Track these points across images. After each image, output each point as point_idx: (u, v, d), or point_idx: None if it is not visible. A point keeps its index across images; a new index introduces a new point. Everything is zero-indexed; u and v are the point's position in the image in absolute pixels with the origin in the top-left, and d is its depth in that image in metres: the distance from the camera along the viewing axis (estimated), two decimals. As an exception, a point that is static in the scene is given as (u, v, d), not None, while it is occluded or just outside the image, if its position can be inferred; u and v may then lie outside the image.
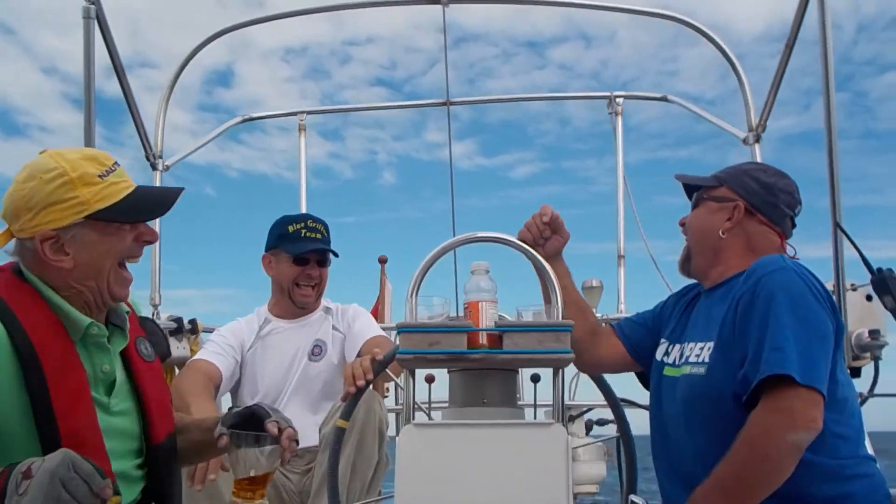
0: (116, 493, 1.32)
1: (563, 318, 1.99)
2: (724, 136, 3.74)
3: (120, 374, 1.59)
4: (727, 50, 3.67)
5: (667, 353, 1.92)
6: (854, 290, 2.94)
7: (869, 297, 2.83)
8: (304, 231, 2.86)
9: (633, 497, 1.74)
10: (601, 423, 4.05)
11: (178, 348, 3.64)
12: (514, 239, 2.18)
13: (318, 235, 2.88)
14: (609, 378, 2.13)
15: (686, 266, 1.94)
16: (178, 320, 3.68)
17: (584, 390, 3.88)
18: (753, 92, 3.62)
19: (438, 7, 3.74)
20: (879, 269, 1.81)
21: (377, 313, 3.69)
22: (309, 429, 2.59)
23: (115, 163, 1.55)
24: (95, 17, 3.03)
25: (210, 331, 3.10)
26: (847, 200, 2.69)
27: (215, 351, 2.78)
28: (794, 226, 1.90)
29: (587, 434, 4.06)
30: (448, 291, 2.17)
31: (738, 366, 1.66)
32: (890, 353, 2.88)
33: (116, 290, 1.56)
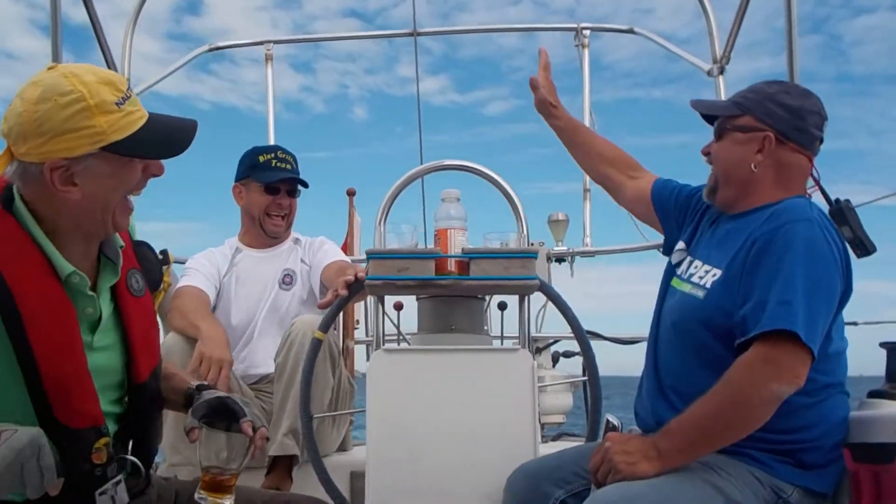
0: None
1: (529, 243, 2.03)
2: (697, 76, 3.74)
3: (107, 309, 1.53)
4: (691, -20, 3.65)
5: (679, 263, 1.88)
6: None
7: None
8: (274, 161, 2.88)
9: (608, 416, 1.79)
10: (567, 355, 4.12)
11: (148, 278, 3.62)
12: (480, 167, 2.20)
13: (288, 166, 2.89)
14: (575, 310, 2.16)
15: (712, 196, 1.87)
16: (150, 250, 3.67)
17: (550, 322, 3.96)
18: (723, 28, 3.62)
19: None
20: (837, 200, 1.81)
21: (346, 247, 3.70)
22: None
23: (129, 87, 1.44)
24: (60, -61, 2.93)
25: (182, 262, 3.08)
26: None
27: (200, 278, 2.81)
28: (822, 142, 1.83)
29: (554, 366, 4.13)
30: (418, 224, 2.20)
31: (735, 301, 1.66)
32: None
33: (120, 220, 1.47)
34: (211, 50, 4.15)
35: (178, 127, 1.50)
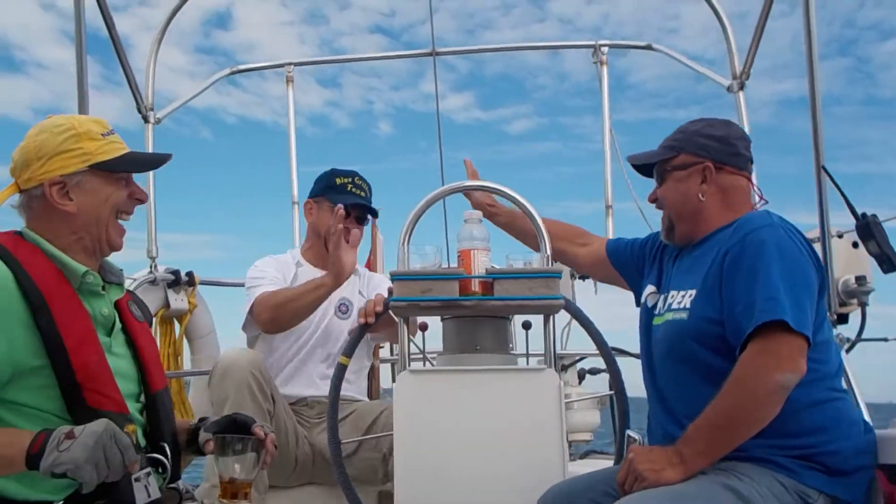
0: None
1: (552, 260, 2.03)
2: (721, 96, 3.70)
3: (117, 321, 1.72)
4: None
5: (655, 304, 1.97)
6: (840, 237, 2.98)
7: (855, 245, 2.87)
8: (350, 186, 2.91)
9: (629, 432, 1.80)
10: (594, 372, 4.11)
11: (175, 300, 3.66)
12: (502, 187, 2.21)
13: (363, 193, 2.92)
14: (600, 327, 2.17)
15: (671, 235, 2.00)
16: (176, 273, 3.70)
17: (576, 339, 3.94)
18: (744, 45, 3.60)
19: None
20: (864, 215, 1.83)
21: (370, 265, 3.72)
22: (322, 381, 2.71)
23: (113, 131, 1.75)
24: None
25: (208, 283, 3.10)
26: (843, 168, 2.73)
27: (274, 284, 2.79)
28: (752, 162, 1.99)
29: (580, 383, 4.11)
30: (440, 245, 2.21)
31: (718, 308, 1.74)
32: (875, 299, 2.93)
33: (114, 238, 1.71)
34: (233, 73, 4.20)
35: (154, 156, 1.95)
